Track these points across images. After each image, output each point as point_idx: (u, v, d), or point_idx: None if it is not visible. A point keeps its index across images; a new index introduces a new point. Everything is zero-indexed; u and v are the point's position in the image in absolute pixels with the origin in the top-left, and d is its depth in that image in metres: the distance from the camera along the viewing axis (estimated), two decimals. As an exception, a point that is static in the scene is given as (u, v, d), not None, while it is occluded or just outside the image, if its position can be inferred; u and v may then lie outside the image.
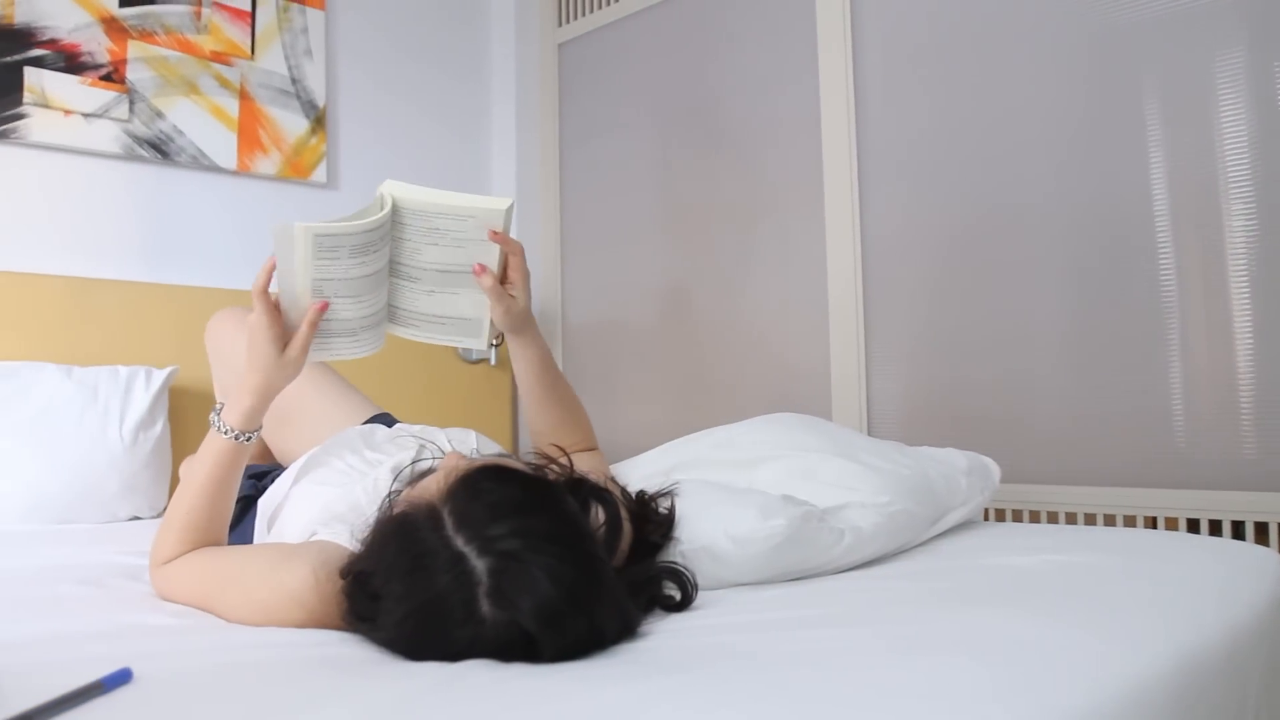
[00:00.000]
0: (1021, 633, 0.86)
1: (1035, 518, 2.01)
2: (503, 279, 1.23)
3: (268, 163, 2.63)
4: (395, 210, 1.13)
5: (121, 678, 0.75)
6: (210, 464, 1.13)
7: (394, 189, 1.13)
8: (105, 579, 1.27)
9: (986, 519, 2.02)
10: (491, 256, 1.20)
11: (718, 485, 1.27)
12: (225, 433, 1.13)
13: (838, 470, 1.35)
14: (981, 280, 2.11)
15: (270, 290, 1.14)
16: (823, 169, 2.37)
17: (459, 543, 0.82)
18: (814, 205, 2.39)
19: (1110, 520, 1.91)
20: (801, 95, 2.43)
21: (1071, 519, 1.96)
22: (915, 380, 2.21)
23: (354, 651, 0.85)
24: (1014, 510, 2.03)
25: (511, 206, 1.17)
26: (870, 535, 1.25)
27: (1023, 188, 2.05)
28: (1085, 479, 1.95)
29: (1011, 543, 1.41)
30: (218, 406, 1.16)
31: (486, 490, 0.86)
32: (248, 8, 2.60)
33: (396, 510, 0.90)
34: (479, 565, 0.81)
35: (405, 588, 0.83)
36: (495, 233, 1.17)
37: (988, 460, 1.60)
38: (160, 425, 2.15)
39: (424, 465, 1.04)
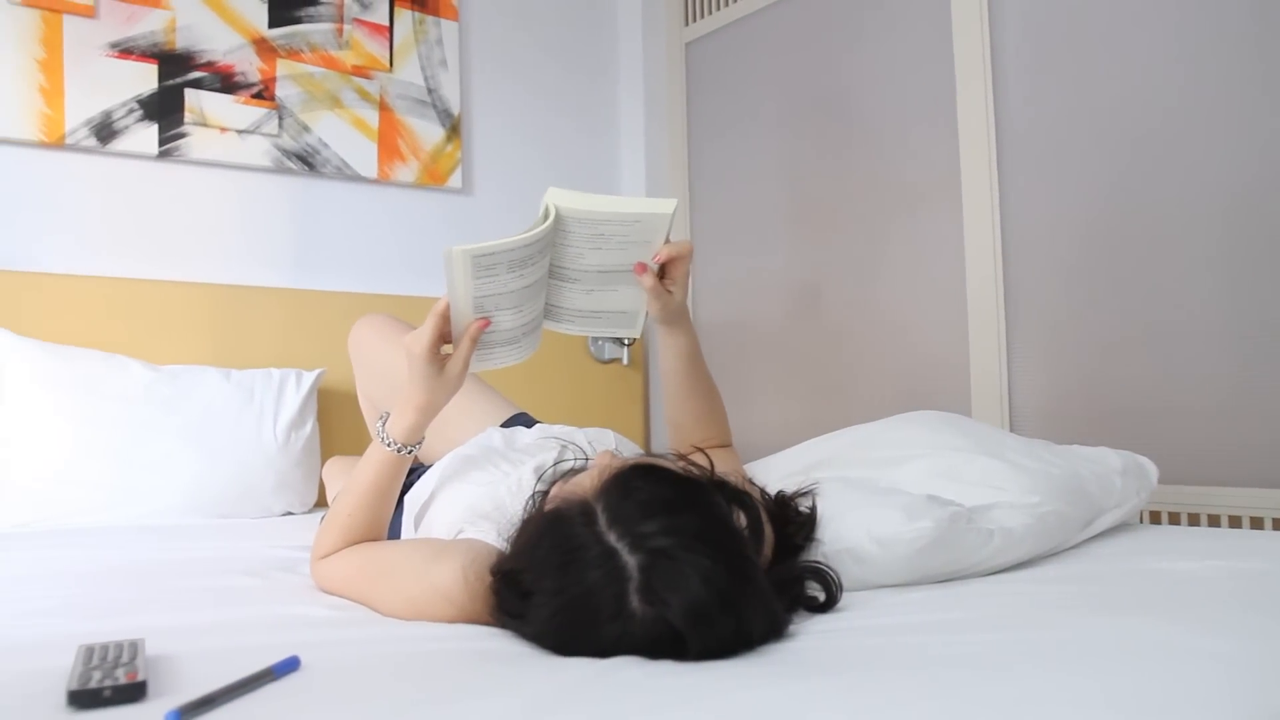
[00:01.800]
0: (1188, 642, 0.81)
1: (1195, 521, 1.90)
2: (661, 275, 1.24)
3: (406, 171, 2.72)
4: (560, 219, 1.14)
5: (290, 665, 0.78)
6: (373, 473, 1.18)
7: (558, 198, 1.14)
8: (266, 571, 1.34)
9: (1141, 522, 1.92)
10: (651, 254, 1.21)
11: (860, 485, 1.25)
12: (389, 445, 1.18)
13: (984, 469, 1.31)
14: (1130, 269, 2.01)
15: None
16: (959, 158, 2.30)
17: (611, 538, 0.83)
18: (950, 195, 2.33)
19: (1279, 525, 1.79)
20: (935, 83, 2.36)
21: (1235, 523, 1.84)
22: (1060, 375, 2.13)
23: (505, 646, 0.87)
24: (1170, 513, 1.93)
25: (676, 208, 1.18)
26: (1020, 537, 1.20)
27: (1173, 171, 1.94)
28: (1250, 480, 1.83)
29: (1172, 546, 1.34)
30: (384, 416, 1.20)
31: (638, 488, 0.87)
32: (386, 22, 2.69)
33: (548, 507, 0.92)
34: (630, 561, 0.81)
35: (556, 582, 0.84)
36: (668, 243, 1.20)
37: (1144, 460, 1.52)
38: (310, 425, 2.25)
39: (566, 465, 1.06)
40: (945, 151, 2.34)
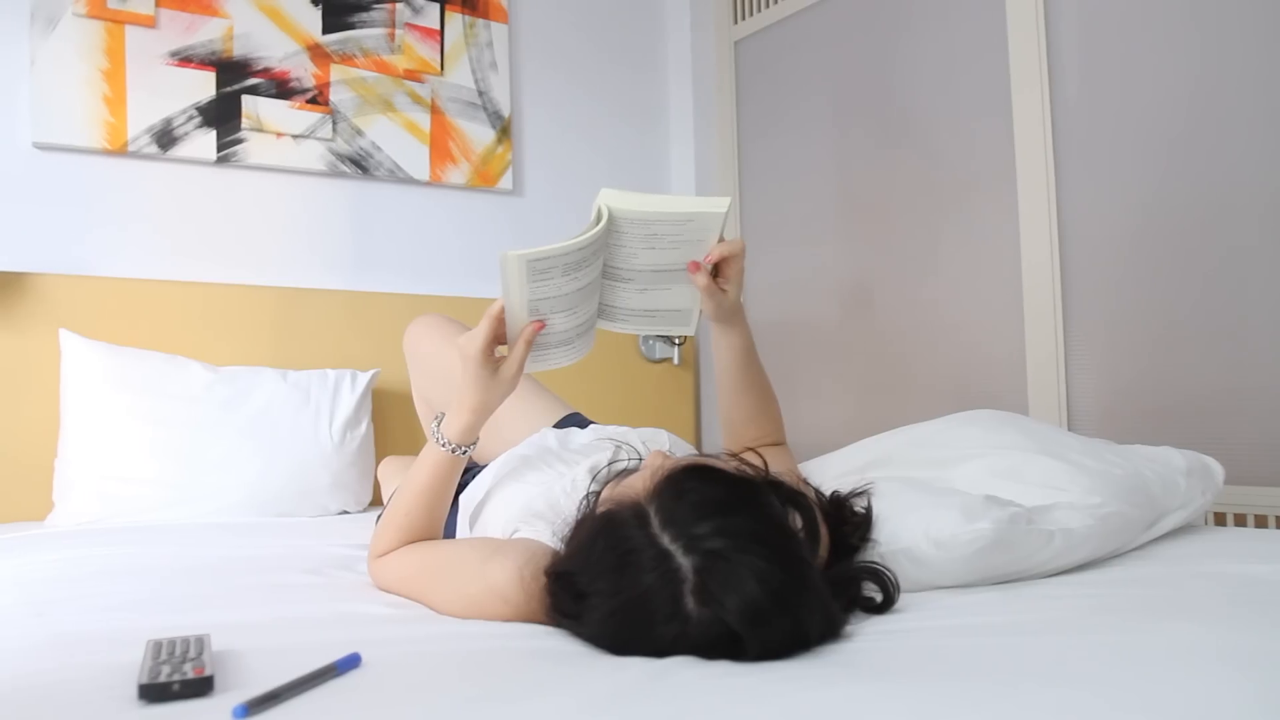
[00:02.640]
0: (1260, 647, 0.79)
1: (1262, 523, 1.85)
2: (715, 273, 1.23)
3: (457, 173, 2.74)
4: (613, 220, 1.14)
5: (352, 662, 0.79)
6: (429, 473, 1.20)
7: (611, 199, 1.14)
8: (325, 569, 1.36)
9: (1206, 524, 1.87)
10: (704, 253, 1.21)
11: (916, 485, 1.23)
12: (444, 445, 1.19)
13: (1043, 469, 1.29)
14: (1190, 262, 1.96)
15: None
16: (1014, 154, 2.26)
17: (665, 540, 0.83)
18: (1005, 192, 2.29)
19: (1352, 526, 1.74)
20: (990, 76, 2.33)
21: (1305, 524, 1.80)
22: (1120, 373, 2.08)
23: (561, 645, 0.88)
24: (1237, 514, 1.88)
25: (729, 207, 1.18)
26: (1082, 538, 1.18)
27: (1233, 163, 1.89)
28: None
29: (1239, 549, 1.31)
30: (439, 417, 1.21)
31: (691, 489, 0.87)
32: (437, 26, 2.72)
33: (601, 509, 0.92)
34: (684, 563, 0.81)
35: (611, 584, 0.84)
36: (721, 242, 1.19)
37: (1209, 460, 1.49)
38: (365, 425, 2.28)
39: (620, 466, 1.05)
40: (1000, 146, 2.30)
